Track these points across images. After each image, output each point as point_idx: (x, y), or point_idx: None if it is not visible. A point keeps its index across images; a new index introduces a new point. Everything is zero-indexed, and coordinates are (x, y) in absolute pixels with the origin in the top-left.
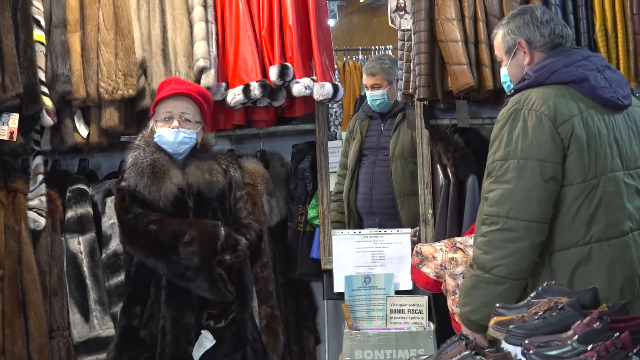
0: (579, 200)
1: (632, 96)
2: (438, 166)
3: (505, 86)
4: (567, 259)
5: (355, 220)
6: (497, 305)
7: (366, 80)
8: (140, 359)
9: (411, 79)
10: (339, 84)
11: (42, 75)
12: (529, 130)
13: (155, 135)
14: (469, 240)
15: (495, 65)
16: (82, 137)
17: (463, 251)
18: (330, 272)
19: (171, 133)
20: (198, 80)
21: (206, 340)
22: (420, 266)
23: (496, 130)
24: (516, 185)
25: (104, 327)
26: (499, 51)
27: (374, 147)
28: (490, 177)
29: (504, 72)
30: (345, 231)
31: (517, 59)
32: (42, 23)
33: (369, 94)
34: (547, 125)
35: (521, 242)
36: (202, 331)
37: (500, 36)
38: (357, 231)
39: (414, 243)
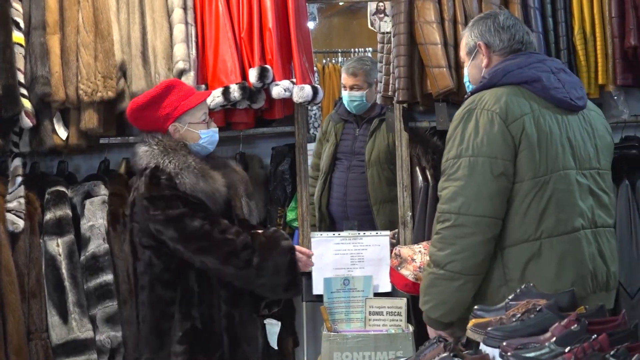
0: (530, 196)
1: (589, 101)
2: (417, 168)
3: (466, 86)
4: (519, 254)
5: (326, 224)
6: (476, 307)
7: (346, 80)
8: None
9: (390, 82)
10: (319, 86)
11: (21, 77)
12: (480, 128)
13: (203, 135)
14: None
15: None
16: (61, 139)
17: None
18: (309, 274)
19: (216, 133)
20: None
21: (275, 326)
22: (399, 268)
23: (450, 130)
24: (467, 182)
25: (83, 330)
26: (462, 52)
27: (349, 152)
28: (443, 176)
29: (465, 72)
30: (325, 233)
31: (477, 61)
32: (21, 25)
33: (347, 94)
34: (498, 124)
35: (473, 237)
36: (265, 320)
37: (465, 38)
38: (336, 233)
39: (392, 245)
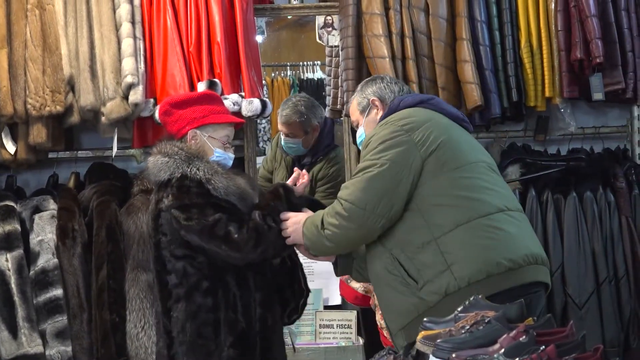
0: (450, 187)
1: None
2: None
3: (359, 146)
4: (455, 237)
5: None
6: (425, 319)
7: (281, 127)
8: None
9: (339, 95)
10: (267, 99)
11: None
12: (389, 140)
13: (217, 154)
14: None
15: (422, 81)
16: (10, 154)
17: None
18: None
19: (230, 159)
20: (126, 97)
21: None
22: (348, 281)
23: (365, 139)
24: (371, 182)
25: (33, 345)
26: (354, 115)
27: None
28: (357, 172)
29: (359, 132)
30: None
31: (371, 115)
32: None
33: (284, 139)
34: (414, 151)
35: (351, 225)
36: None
37: (355, 102)
38: None
39: None
